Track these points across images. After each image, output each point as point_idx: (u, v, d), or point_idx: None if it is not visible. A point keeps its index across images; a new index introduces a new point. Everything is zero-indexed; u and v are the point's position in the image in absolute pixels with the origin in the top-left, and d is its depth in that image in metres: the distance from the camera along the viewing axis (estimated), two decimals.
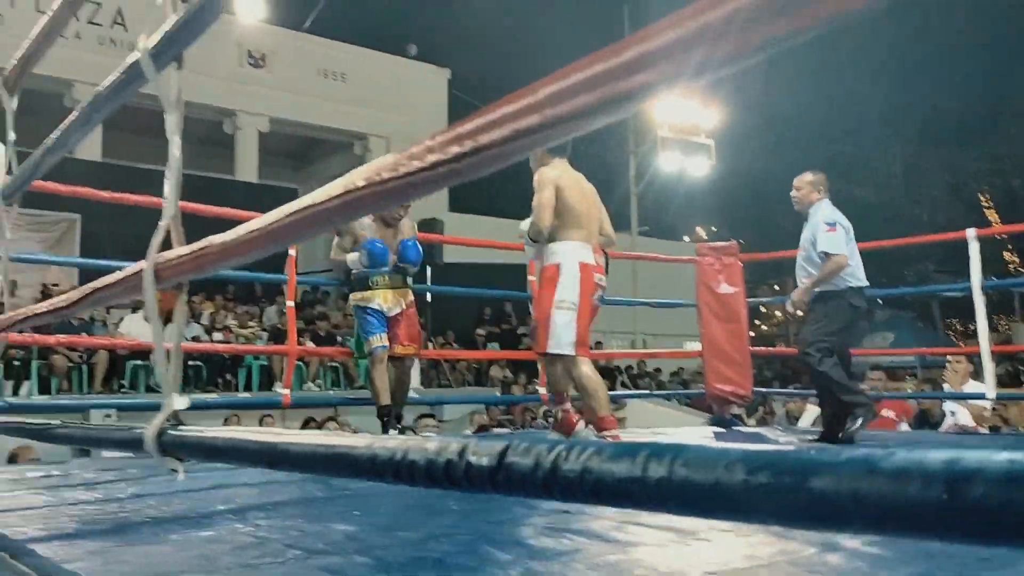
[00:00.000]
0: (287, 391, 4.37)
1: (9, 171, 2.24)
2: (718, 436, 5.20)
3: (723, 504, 0.55)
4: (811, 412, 6.89)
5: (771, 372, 20.61)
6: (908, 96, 24.04)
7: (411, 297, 4.61)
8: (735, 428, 5.78)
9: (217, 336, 10.13)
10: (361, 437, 0.82)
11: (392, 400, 4.40)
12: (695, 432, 5.69)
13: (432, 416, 7.06)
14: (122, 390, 9.25)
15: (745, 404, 6.85)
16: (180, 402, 1.20)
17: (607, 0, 21.80)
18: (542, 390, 4.82)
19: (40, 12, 13.65)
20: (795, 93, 22.78)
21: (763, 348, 11.54)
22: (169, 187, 1.26)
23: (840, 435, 4.06)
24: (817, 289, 4.26)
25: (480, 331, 13.72)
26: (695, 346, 5.96)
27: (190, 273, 1.19)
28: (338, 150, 18.54)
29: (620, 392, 7.76)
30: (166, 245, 1.25)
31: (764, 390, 7.96)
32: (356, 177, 0.82)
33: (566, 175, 3.88)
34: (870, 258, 4.64)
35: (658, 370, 14.55)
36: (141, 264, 1.27)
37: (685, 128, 18.36)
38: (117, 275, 1.37)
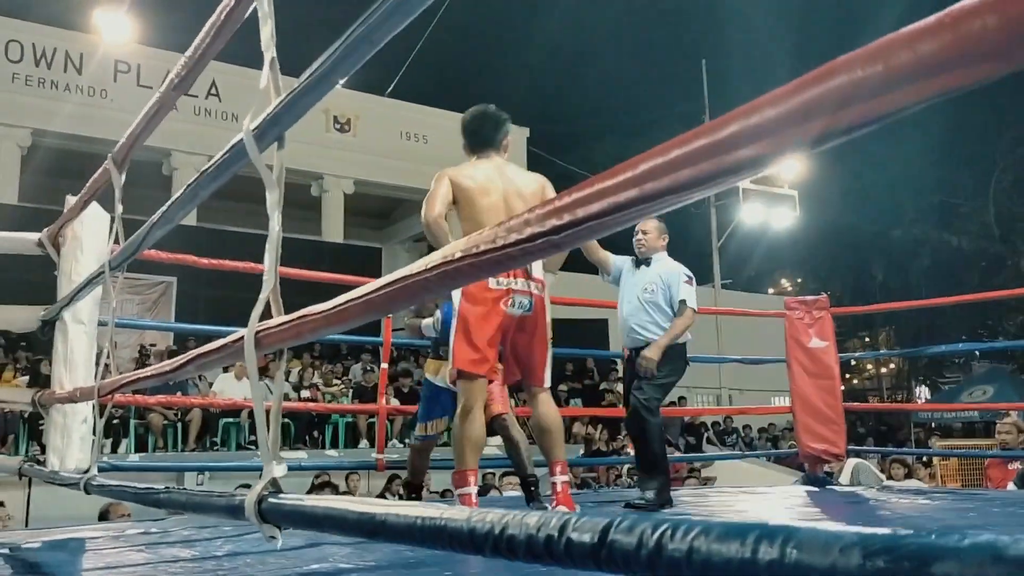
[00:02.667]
0: (381, 456, 4.40)
1: (116, 240, 2.35)
2: (811, 496, 5.02)
3: None
4: (849, 465, 6.63)
5: (864, 428, 19.87)
6: (1004, 142, 23.28)
7: None
8: (828, 487, 5.57)
9: (304, 394, 10.33)
10: (460, 510, 0.82)
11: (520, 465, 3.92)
12: (788, 491, 5.50)
13: (514, 474, 7.01)
14: (214, 447, 9.50)
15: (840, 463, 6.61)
16: (279, 470, 1.22)
17: (684, 55, 21.89)
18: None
19: (142, 87, 14.53)
20: (883, 141, 22.33)
21: (856, 404, 11.14)
22: (269, 260, 1.31)
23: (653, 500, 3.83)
24: (645, 339, 4.02)
25: (562, 387, 13.65)
26: (783, 401, 5.80)
27: (289, 341, 1.22)
28: (420, 209, 18.88)
29: (709, 454, 7.55)
30: (266, 314, 1.29)
31: (858, 448, 7.66)
32: (454, 249, 0.84)
33: (479, 170, 3.36)
34: (968, 310, 4.40)
35: (747, 427, 14.18)
36: (242, 331, 1.31)
37: (767, 179, 18.16)
38: (220, 342, 1.42)
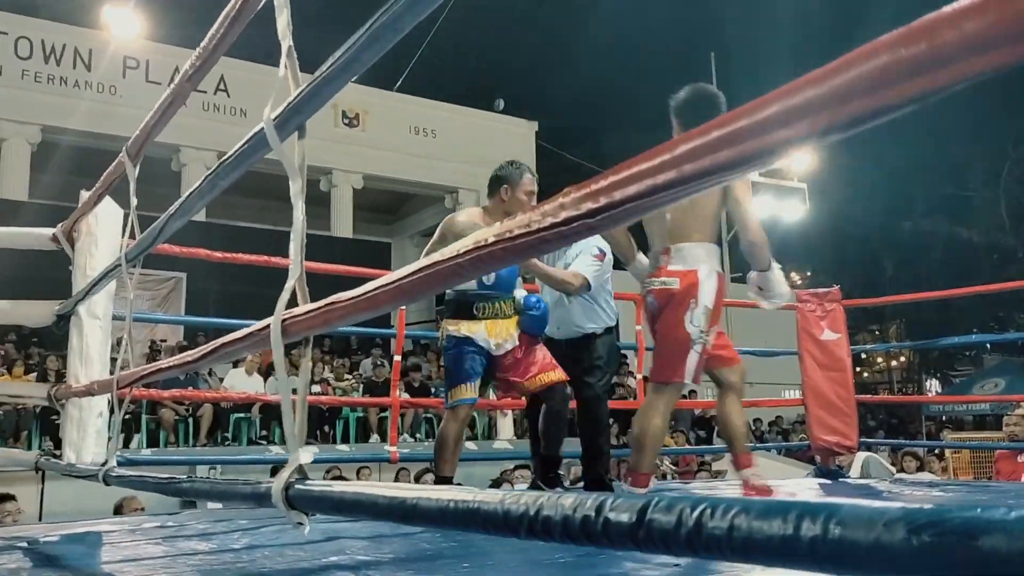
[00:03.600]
0: (394, 448, 4.41)
1: (132, 235, 2.37)
2: (824, 488, 5.01)
3: (883, 565, 0.53)
4: (859, 459, 6.61)
5: (875, 421, 19.81)
6: (1015, 133, 23.14)
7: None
8: (841, 480, 5.56)
9: (315, 388, 10.36)
10: (492, 492, 0.83)
11: (547, 446, 3.64)
12: (800, 484, 5.49)
13: (527, 467, 7.03)
14: (225, 442, 9.54)
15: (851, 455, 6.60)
16: (305, 456, 1.23)
17: (692, 47, 21.82)
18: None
19: (151, 83, 14.57)
20: (893, 132, 22.25)
21: (868, 396, 11.12)
22: (294, 248, 1.31)
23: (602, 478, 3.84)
24: (598, 326, 3.86)
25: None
26: (794, 394, 5.79)
27: (317, 328, 1.23)
28: (430, 203, 18.96)
29: (720, 447, 7.51)
30: (291, 303, 1.30)
31: (870, 440, 7.64)
32: (487, 234, 0.84)
33: None
34: (979, 302, 4.33)
35: (757, 420, 14.16)
36: (268, 320, 1.32)
37: (777, 172, 18.11)
38: (247, 330, 1.42)
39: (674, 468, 9.38)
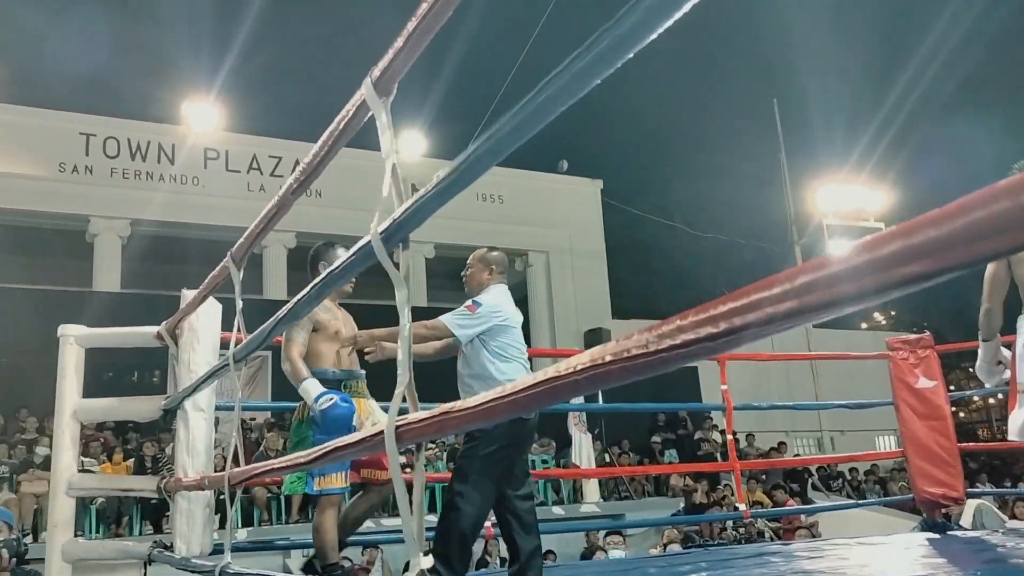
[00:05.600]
0: (490, 523, 4.39)
1: (239, 330, 2.48)
2: (933, 544, 4.81)
3: None
4: (970, 508, 6.29)
5: (975, 463, 18.89)
6: None
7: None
8: (950, 532, 5.33)
9: (400, 459, 10.42)
10: None
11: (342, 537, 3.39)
12: (907, 540, 5.28)
13: (619, 533, 6.93)
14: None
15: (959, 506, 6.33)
16: (426, 562, 1.26)
17: (755, 95, 21.77)
18: (742, 507, 4.62)
19: (231, 171, 15.22)
20: (973, 167, 21.71)
21: (971, 444, 10.65)
22: (402, 354, 1.37)
23: None
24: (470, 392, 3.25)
25: (655, 439, 13.45)
26: (887, 440, 5.62)
27: (430, 435, 1.28)
28: None
29: (823, 505, 7.27)
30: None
31: (978, 490, 7.32)
32: (604, 352, 0.88)
33: None
34: None
35: (853, 470, 13.70)
36: (382, 426, 1.38)
37: (852, 213, 17.80)
38: (358, 435, 1.48)
39: (772, 528, 9.08)
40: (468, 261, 3.65)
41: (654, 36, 0.90)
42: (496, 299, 3.42)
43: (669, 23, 0.87)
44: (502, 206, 18.06)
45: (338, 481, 3.18)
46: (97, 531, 8.66)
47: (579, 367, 0.92)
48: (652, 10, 0.86)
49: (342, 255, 3.45)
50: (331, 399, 3.05)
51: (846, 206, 17.80)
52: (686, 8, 0.87)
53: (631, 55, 0.94)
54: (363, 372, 3.47)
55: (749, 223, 21.40)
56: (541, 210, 17.93)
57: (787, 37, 25.97)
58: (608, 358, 0.88)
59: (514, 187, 18.26)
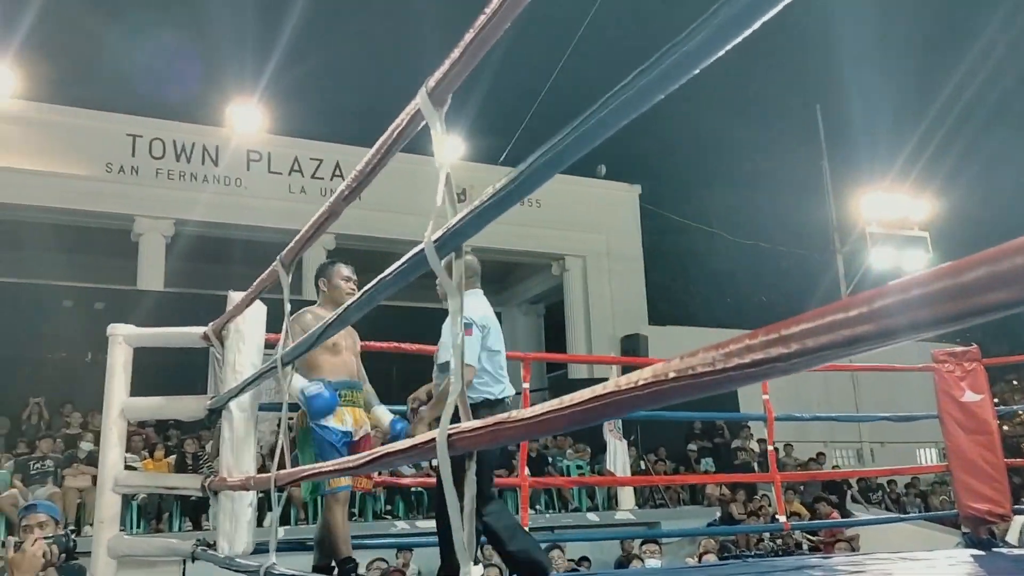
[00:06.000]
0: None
1: (286, 336, 2.51)
2: (979, 561, 4.71)
3: None
4: (1017, 524, 6.12)
5: (1020, 479, 18.46)
6: None
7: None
8: (995, 549, 5.22)
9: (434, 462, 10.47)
10: None
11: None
12: (951, 556, 5.19)
13: (655, 541, 6.88)
14: (352, 518, 9.72)
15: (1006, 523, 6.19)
16: (476, 571, 1.27)
17: (797, 103, 21.54)
18: (782, 518, 4.57)
19: (273, 173, 15.40)
20: (1021, 176, 21.28)
21: (1018, 460, 10.42)
22: (455, 363, 1.38)
23: None
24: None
25: (692, 446, 13.35)
26: (929, 452, 5.52)
27: (483, 445, 1.28)
28: (537, 271, 19.17)
29: (867, 518, 7.14)
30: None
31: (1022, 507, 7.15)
32: (668, 368, 0.88)
33: None
34: None
35: (892, 482, 13.48)
36: (433, 433, 1.38)
37: (896, 222, 17.52)
38: (409, 442, 1.49)
39: (811, 540, 8.94)
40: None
41: (722, 53, 0.90)
42: (478, 309, 3.48)
43: (739, 40, 0.87)
44: (539, 210, 18.05)
45: (344, 479, 3.39)
46: (138, 526, 8.80)
47: (641, 382, 0.92)
48: (724, 26, 0.86)
49: (343, 271, 3.65)
50: (319, 388, 3.35)
51: (890, 214, 17.53)
52: (755, 27, 0.87)
53: (696, 72, 0.94)
54: (360, 384, 3.72)
55: (790, 230, 21.16)
56: (578, 215, 17.89)
57: (830, 42, 25.68)
58: (672, 374, 0.87)
59: (552, 191, 18.22)
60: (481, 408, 3.30)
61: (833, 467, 14.93)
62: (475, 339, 3.37)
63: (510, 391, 3.52)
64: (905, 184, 18.59)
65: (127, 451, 9.46)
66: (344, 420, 3.52)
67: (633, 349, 16.32)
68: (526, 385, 4.71)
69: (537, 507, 10.50)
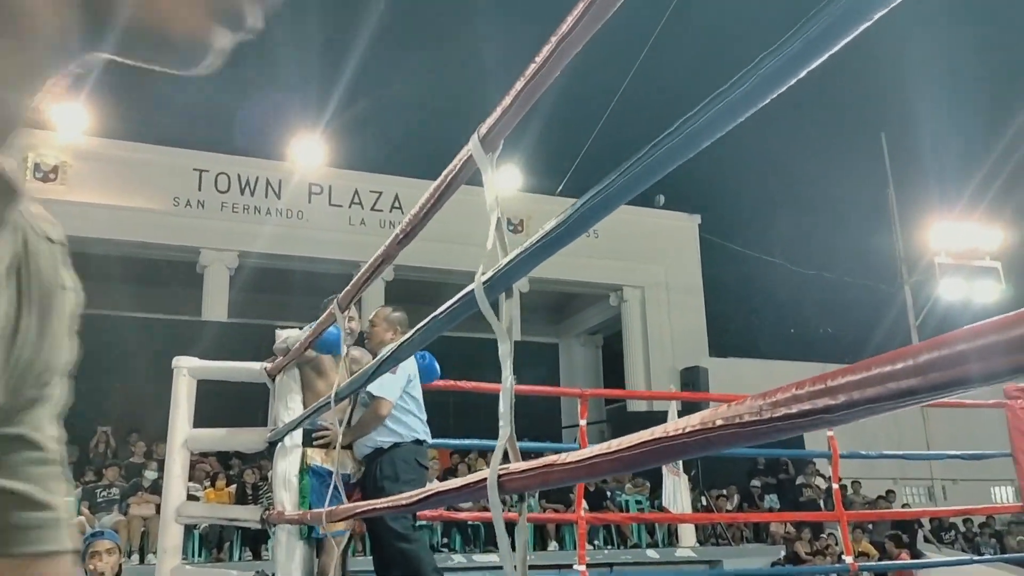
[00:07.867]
0: (583, 567, 4.36)
1: (350, 372, 2.55)
2: None
3: None
4: None
5: None
6: None
7: None
8: None
9: None
10: None
11: None
12: None
13: None
14: None
15: None
16: None
17: (861, 131, 21.21)
18: (849, 559, 4.42)
19: (333, 206, 15.71)
20: None
21: None
22: (504, 406, 1.38)
23: None
24: (386, 441, 3.57)
25: (755, 482, 13.06)
26: (1004, 491, 5.31)
27: (533, 486, 1.28)
28: (594, 302, 19.10)
29: (940, 560, 6.82)
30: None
31: None
32: (716, 416, 0.87)
33: None
34: None
35: (967, 521, 12.99)
36: (484, 473, 1.38)
37: (966, 252, 17.05)
38: (460, 481, 1.49)
39: None
40: (371, 319, 3.90)
41: (787, 87, 0.90)
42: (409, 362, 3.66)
43: (804, 73, 0.87)
44: (597, 240, 18.02)
45: (341, 524, 3.27)
46: (199, 555, 8.95)
47: (688, 429, 0.91)
48: (793, 58, 0.86)
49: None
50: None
51: (959, 244, 17.08)
52: (822, 58, 0.87)
53: (766, 102, 0.94)
54: None
55: (855, 261, 20.74)
56: (637, 245, 17.82)
57: (896, 69, 25.28)
58: (719, 422, 0.86)
59: (610, 221, 18.10)
60: (395, 450, 3.58)
61: (903, 505, 14.46)
62: (399, 378, 3.60)
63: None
64: (975, 213, 18.11)
65: (190, 480, 9.66)
66: (345, 464, 3.62)
67: (693, 381, 16.11)
68: (583, 421, 4.72)
69: (595, 542, 10.37)
